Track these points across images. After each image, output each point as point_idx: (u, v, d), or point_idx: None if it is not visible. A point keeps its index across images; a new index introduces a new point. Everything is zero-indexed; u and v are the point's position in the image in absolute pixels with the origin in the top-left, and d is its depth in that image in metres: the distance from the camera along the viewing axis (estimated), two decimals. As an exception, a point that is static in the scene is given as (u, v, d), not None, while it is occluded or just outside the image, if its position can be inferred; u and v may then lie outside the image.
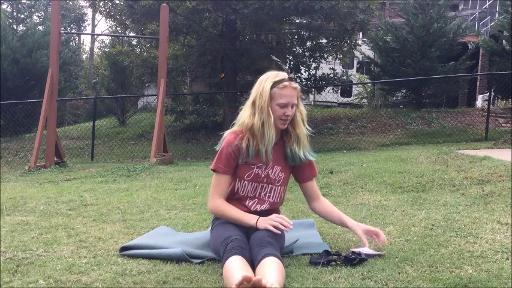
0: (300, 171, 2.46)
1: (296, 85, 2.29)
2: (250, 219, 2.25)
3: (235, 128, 2.35)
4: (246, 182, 2.34)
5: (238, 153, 2.30)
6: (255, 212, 2.34)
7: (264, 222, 2.20)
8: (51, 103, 7.64)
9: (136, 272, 2.09)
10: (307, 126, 2.38)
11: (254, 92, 2.30)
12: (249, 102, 2.32)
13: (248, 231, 2.24)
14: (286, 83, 2.25)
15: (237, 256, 1.96)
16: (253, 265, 1.97)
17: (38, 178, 6.17)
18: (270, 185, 2.36)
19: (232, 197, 2.38)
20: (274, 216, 2.24)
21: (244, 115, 2.32)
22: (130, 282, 1.95)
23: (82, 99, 20.25)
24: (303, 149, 2.36)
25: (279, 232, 2.16)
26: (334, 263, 2.11)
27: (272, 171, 2.35)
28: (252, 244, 2.10)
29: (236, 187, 2.37)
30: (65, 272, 2.09)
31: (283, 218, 2.21)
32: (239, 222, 2.26)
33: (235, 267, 1.88)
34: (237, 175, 2.35)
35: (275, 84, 2.25)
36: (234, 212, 2.29)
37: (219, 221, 2.34)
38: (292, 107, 2.27)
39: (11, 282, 1.96)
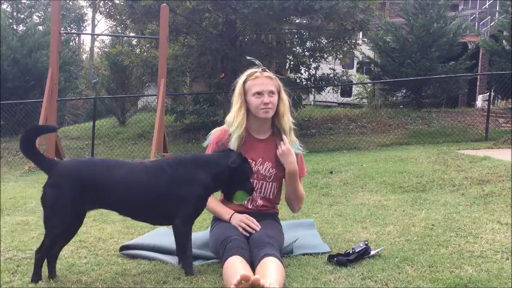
0: None
1: (270, 74, 2.35)
2: (226, 214, 2.31)
3: (223, 126, 2.41)
4: None
5: (224, 141, 2.36)
6: (251, 210, 2.36)
7: (236, 220, 2.26)
8: (51, 103, 7.64)
9: (136, 272, 2.09)
10: (291, 118, 2.40)
11: (234, 92, 2.38)
12: (232, 104, 2.38)
13: (248, 231, 2.24)
14: (257, 74, 2.33)
15: (236, 256, 1.96)
16: (253, 265, 1.97)
17: (38, 178, 6.17)
18: (261, 182, 2.37)
19: None
20: (244, 217, 2.26)
21: (228, 116, 2.40)
22: (130, 282, 1.95)
23: (82, 99, 20.24)
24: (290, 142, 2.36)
25: (247, 234, 2.19)
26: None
27: (263, 168, 2.36)
28: (251, 244, 2.10)
29: None
30: (65, 272, 2.09)
31: (252, 221, 2.24)
32: (218, 216, 2.35)
33: (235, 267, 1.88)
34: None
35: (247, 77, 2.34)
36: (214, 205, 2.37)
37: (219, 221, 2.34)
38: (270, 94, 2.30)
39: (11, 282, 1.96)
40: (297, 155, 2.38)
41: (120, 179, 2.01)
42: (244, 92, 2.33)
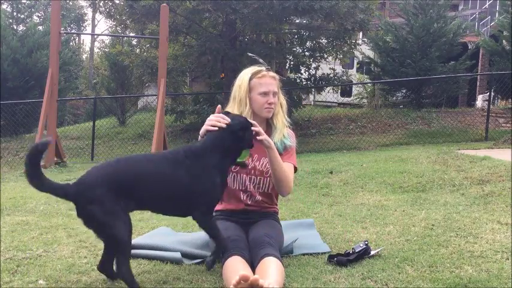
0: None
1: (274, 74, 2.38)
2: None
3: None
4: (234, 174, 2.38)
5: None
6: (252, 208, 2.37)
7: (205, 124, 2.13)
8: (51, 103, 7.64)
9: (136, 272, 2.09)
10: (287, 117, 2.44)
11: (235, 86, 2.39)
12: (231, 98, 2.40)
13: (248, 230, 2.25)
14: (264, 72, 2.35)
15: (236, 256, 1.96)
16: (253, 265, 1.97)
17: (38, 178, 6.16)
18: (258, 177, 2.38)
19: (229, 195, 2.39)
20: (213, 115, 2.15)
21: (229, 108, 2.39)
22: (130, 282, 1.95)
23: (82, 99, 20.23)
24: (277, 137, 2.37)
25: (216, 128, 2.06)
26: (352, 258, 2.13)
27: (259, 163, 2.38)
28: (251, 244, 2.10)
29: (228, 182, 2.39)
30: (65, 272, 2.09)
31: (221, 116, 2.11)
32: None
33: (235, 267, 1.89)
34: None
35: (253, 75, 2.35)
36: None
37: (219, 221, 2.34)
38: (274, 95, 2.34)
39: (11, 282, 1.96)
40: (288, 147, 2.39)
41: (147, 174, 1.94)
42: (249, 90, 2.34)
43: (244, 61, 11.57)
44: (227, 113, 2.17)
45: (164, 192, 1.95)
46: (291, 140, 2.42)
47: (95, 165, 1.97)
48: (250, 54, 2.50)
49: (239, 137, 2.07)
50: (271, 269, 1.87)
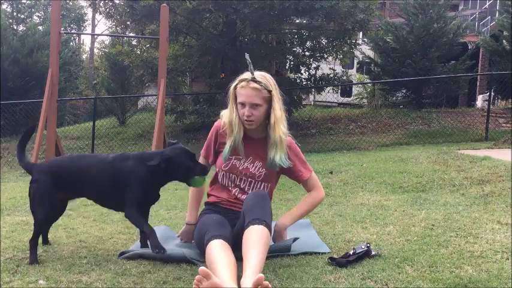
0: (290, 174, 2.48)
1: (256, 85, 2.25)
2: (188, 216, 2.49)
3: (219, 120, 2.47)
4: (223, 172, 2.38)
5: (216, 137, 2.42)
6: (240, 200, 2.35)
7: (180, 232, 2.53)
8: (51, 103, 7.63)
9: (136, 272, 2.09)
10: (284, 128, 2.33)
11: None
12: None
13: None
14: (243, 83, 2.27)
15: (214, 241, 1.98)
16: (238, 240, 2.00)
17: (38, 178, 6.16)
18: (249, 179, 2.36)
19: (219, 189, 2.42)
20: (183, 232, 2.51)
21: (225, 110, 2.42)
22: (130, 282, 1.95)
23: (82, 99, 20.22)
24: (278, 154, 2.32)
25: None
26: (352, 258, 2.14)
27: (252, 166, 2.35)
28: (244, 210, 2.12)
29: (219, 176, 2.44)
30: (65, 272, 2.09)
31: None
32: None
33: (214, 253, 1.92)
34: (216, 165, 2.43)
35: (238, 83, 2.30)
36: (189, 200, 2.51)
37: (206, 215, 2.36)
38: (252, 107, 2.25)
39: (11, 282, 1.96)
40: (294, 159, 2.43)
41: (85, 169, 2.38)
42: (235, 97, 2.32)
43: (244, 61, 11.59)
44: (170, 144, 2.37)
45: (95, 186, 2.35)
46: (286, 159, 2.36)
47: (64, 155, 2.37)
48: (246, 56, 2.40)
49: (168, 167, 2.26)
50: (254, 249, 1.86)
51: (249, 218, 2.00)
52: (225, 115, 2.38)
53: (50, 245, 2.53)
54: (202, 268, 1.65)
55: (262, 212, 2.04)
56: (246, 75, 2.31)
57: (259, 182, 2.36)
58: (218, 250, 1.93)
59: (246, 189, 2.36)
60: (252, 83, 2.25)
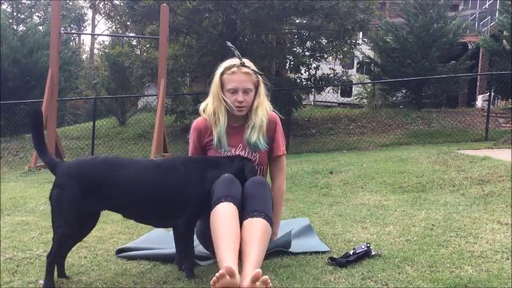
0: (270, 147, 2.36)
1: (247, 70, 2.21)
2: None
3: (200, 117, 2.33)
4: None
5: (200, 138, 2.29)
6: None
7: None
8: (51, 103, 7.64)
9: (136, 272, 2.09)
10: (267, 109, 2.27)
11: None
12: (209, 92, 2.30)
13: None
14: (234, 69, 2.20)
15: (227, 203, 1.90)
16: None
17: (38, 178, 6.17)
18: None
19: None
20: None
21: (203, 104, 2.31)
22: (130, 282, 1.95)
23: (82, 99, 20.23)
24: (255, 134, 2.23)
25: None
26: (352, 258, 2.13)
27: (244, 153, 2.26)
28: (244, 195, 2.01)
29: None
30: (65, 272, 2.09)
31: None
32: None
33: (223, 218, 1.85)
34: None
35: (225, 70, 2.22)
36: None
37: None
38: (245, 92, 2.20)
39: (11, 282, 1.96)
40: (274, 137, 2.32)
41: (127, 178, 1.96)
42: (221, 85, 2.23)
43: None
44: (239, 157, 2.18)
45: (142, 197, 1.97)
46: (264, 143, 2.26)
47: (88, 157, 2.02)
48: (228, 44, 2.33)
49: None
50: (253, 247, 1.81)
51: (248, 209, 1.94)
52: (209, 106, 2.27)
53: (56, 281, 1.97)
54: (228, 266, 1.62)
55: (261, 202, 1.96)
56: (233, 61, 2.23)
57: (255, 166, 2.26)
58: (226, 220, 1.85)
59: None
60: (243, 68, 2.20)
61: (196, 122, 2.33)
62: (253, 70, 2.24)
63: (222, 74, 2.23)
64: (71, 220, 1.88)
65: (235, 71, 2.20)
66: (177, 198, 1.97)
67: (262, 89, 2.27)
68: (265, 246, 1.87)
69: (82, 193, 1.88)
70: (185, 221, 2.00)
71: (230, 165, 2.10)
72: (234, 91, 2.19)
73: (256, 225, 1.88)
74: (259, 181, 2.09)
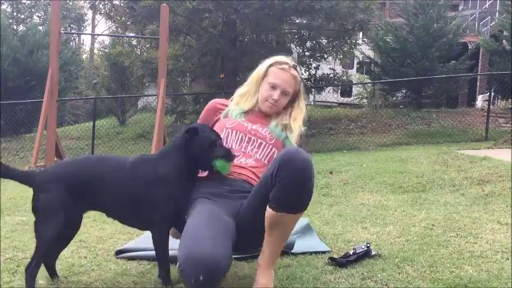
0: None
1: (296, 74, 2.12)
2: None
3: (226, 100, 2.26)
4: (229, 130, 2.08)
5: (213, 112, 2.20)
6: (247, 167, 2.01)
7: None
8: (51, 103, 7.63)
9: (136, 272, 2.09)
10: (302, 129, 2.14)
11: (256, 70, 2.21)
12: (248, 79, 2.22)
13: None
14: (284, 66, 2.12)
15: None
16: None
17: (38, 178, 6.15)
18: (259, 140, 2.06)
19: None
20: None
21: (241, 89, 2.23)
22: (130, 282, 1.95)
23: (82, 99, 20.23)
24: (276, 122, 2.12)
25: None
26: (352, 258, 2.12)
27: (262, 129, 2.10)
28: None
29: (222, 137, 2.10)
30: (65, 272, 2.09)
31: None
32: None
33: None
34: (219, 126, 2.11)
35: (276, 63, 2.14)
36: None
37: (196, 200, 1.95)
38: (283, 93, 2.10)
39: (11, 282, 1.96)
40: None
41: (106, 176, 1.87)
42: (264, 75, 2.13)
43: (244, 61, 11.61)
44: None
45: (122, 199, 1.86)
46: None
47: (66, 160, 1.96)
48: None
49: (189, 146, 1.88)
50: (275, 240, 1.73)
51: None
52: (243, 88, 2.19)
53: (59, 278, 1.98)
54: None
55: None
56: (287, 59, 2.16)
57: (270, 146, 2.06)
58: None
59: (253, 152, 2.03)
60: (293, 70, 2.13)
61: (214, 102, 2.24)
62: (301, 77, 2.19)
63: (271, 65, 2.14)
64: (60, 223, 1.79)
65: (285, 69, 2.12)
66: (144, 198, 1.84)
67: (302, 102, 2.19)
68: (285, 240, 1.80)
69: (68, 195, 1.81)
70: (158, 229, 1.87)
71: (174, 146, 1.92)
72: (274, 87, 2.10)
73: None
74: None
